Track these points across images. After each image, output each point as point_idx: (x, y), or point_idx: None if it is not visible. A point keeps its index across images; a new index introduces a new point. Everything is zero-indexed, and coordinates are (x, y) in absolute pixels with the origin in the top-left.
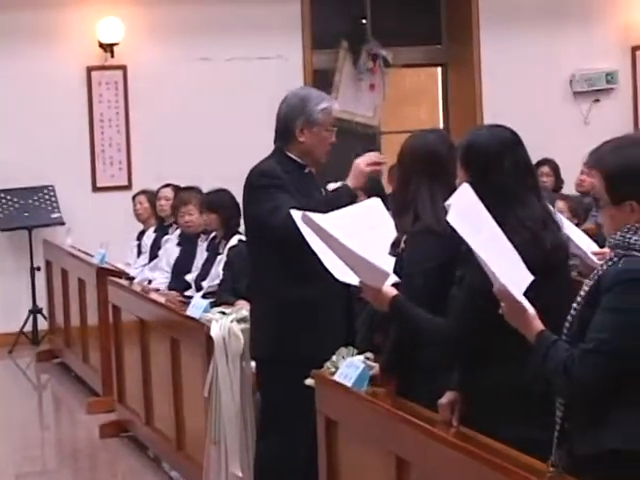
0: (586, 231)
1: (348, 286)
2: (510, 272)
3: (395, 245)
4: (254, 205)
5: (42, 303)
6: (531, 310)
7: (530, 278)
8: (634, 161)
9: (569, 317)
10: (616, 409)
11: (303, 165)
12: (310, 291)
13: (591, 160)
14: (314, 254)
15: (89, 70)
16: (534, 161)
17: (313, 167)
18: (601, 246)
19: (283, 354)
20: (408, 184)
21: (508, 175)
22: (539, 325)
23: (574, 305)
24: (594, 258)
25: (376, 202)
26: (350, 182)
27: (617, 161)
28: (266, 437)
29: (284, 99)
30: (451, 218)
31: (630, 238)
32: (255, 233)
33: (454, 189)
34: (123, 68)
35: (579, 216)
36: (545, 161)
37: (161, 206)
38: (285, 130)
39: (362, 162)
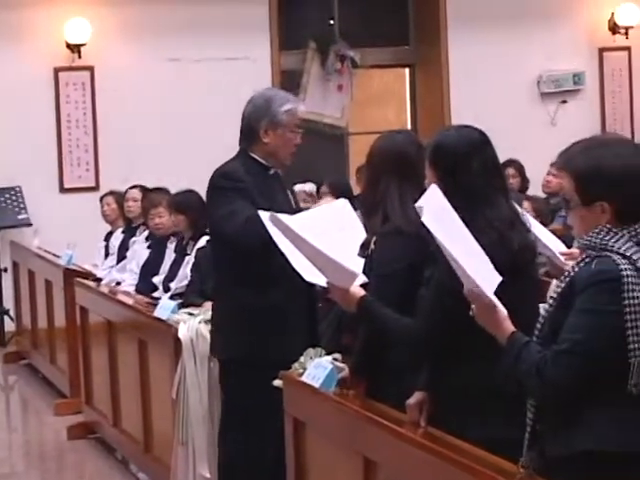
0: (553, 232)
1: (311, 289)
2: (480, 273)
3: (365, 246)
4: (212, 207)
5: (9, 304)
6: (503, 311)
7: (499, 279)
8: (604, 162)
9: (540, 318)
10: (588, 410)
11: (268, 167)
12: (275, 295)
13: (560, 161)
14: (272, 258)
15: (56, 71)
16: (500, 162)
17: (278, 168)
18: (568, 247)
19: (253, 358)
20: (377, 185)
21: (476, 176)
22: (510, 326)
23: (545, 306)
24: (562, 258)
25: (343, 203)
26: None
27: (587, 162)
28: (231, 437)
29: (250, 100)
30: (426, 220)
31: (602, 239)
32: (212, 234)
33: (423, 190)
34: (90, 69)
35: (544, 217)
36: (510, 162)
37: (129, 207)
38: (249, 131)
39: None
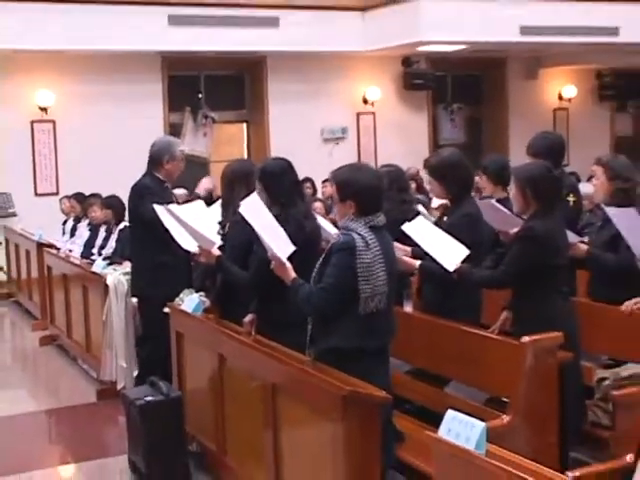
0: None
1: (189, 253)
2: (279, 245)
3: (222, 226)
4: (136, 205)
5: (3, 263)
6: (289, 265)
7: (292, 248)
8: (353, 177)
9: (315, 269)
10: (338, 322)
11: (164, 182)
12: (168, 256)
13: (330, 176)
14: (168, 233)
15: (32, 123)
16: (301, 178)
17: (170, 183)
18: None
19: (153, 295)
20: (232, 191)
21: (285, 187)
22: (293, 274)
23: (318, 262)
24: (335, 236)
25: (201, 203)
26: None
27: (343, 176)
28: (143, 342)
29: (155, 142)
30: (245, 215)
31: (348, 224)
32: (136, 221)
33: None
34: (53, 122)
35: (327, 211)
36: (307, 179)
37: (62, 209)
38: (156, 160)
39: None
